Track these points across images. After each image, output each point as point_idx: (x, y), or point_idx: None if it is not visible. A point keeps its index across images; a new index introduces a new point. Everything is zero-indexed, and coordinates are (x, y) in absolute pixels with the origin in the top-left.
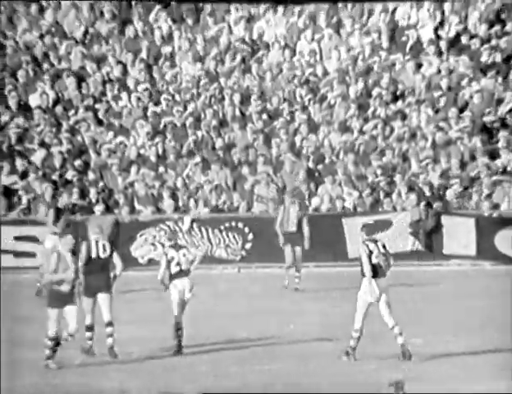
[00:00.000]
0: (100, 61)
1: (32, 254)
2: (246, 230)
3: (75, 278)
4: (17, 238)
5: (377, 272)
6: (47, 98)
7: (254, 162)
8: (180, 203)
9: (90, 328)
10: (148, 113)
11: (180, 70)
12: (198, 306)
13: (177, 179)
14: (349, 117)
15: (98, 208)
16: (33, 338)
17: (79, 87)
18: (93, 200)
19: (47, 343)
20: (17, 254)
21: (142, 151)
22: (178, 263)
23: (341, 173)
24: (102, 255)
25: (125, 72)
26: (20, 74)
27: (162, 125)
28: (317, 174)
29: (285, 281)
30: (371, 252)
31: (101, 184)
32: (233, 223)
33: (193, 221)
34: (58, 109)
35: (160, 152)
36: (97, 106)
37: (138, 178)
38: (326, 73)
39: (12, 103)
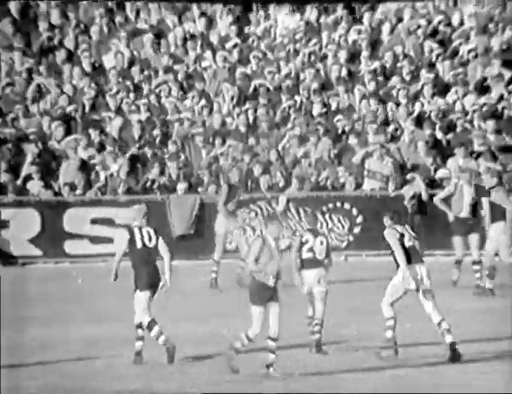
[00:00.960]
0: (181, 13)
1: (109, 240)
2: (354, 211)
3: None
4: (94, 221)
5: (412, 256)
6: (122, 58)
7: (364, 131)
8: (274, 180)
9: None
10: (236, 75)
11: (275, 22)
12: (297, 300)
13: (270, 152)
14: (489, 75)
15: (181, 187)
16: (123, 337)
17: (157, 45)
18: (174, 177)
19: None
20: (93, 240)
21: (228, 120)
22: (311, 249)
23: (478, 144)
24: (148, 244)
25: (209, 26)
26: (94, 30)
27: (251, 89)
28: (445, 145)
29: (454, 276)
30: (402, 235)
31: (182, 157)
32: (338, 203)
33: (289, 201)
34: (134, 71)
35: (250, 120)
36: (176, 67)
37: (224, 151)
38: (461, 22)
39: (86, 64)
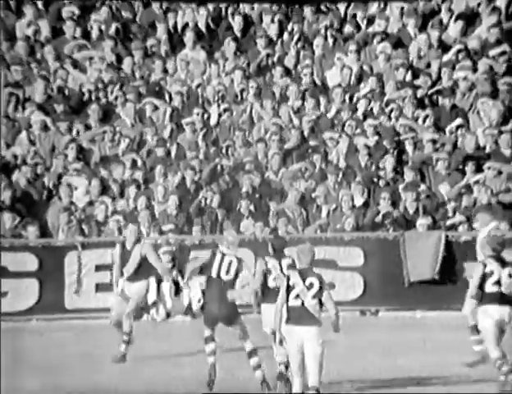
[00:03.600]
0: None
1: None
2: None
3: None
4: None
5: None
6: (349, 73)
7: None
8: None
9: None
10: (499, 86)
11: None
12: None
13: None
14: None
15: (422, 222)
16: None
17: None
18: (411, 210)
19: None
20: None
21: (481, 141)
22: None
23: None
24: (224, 276)
25: (465, 31)
26: (317, 43)
27: None
28: None
29: None
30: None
31: (422, 187)
32: None
33: None
34: (361, 87)
35: None
36: (416, 81)
37: (479, 179)
38: None
39: (305, 82)
